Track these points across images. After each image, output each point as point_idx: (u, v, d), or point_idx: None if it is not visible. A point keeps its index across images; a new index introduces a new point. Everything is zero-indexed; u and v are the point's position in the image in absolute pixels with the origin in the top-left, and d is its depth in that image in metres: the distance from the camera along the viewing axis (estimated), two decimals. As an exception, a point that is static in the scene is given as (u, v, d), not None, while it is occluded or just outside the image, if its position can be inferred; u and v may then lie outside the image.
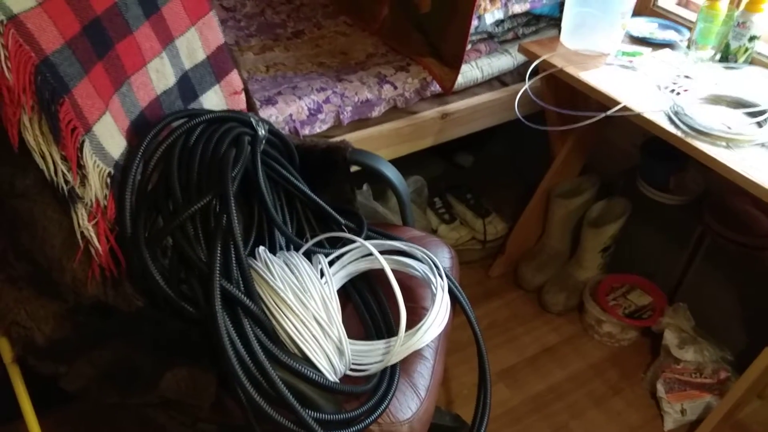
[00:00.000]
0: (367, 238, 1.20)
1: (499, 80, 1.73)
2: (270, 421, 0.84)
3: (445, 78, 1.59)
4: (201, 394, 0.91)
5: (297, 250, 1.09)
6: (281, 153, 1.18)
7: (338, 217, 1.19)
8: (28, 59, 0.76)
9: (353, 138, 1.53)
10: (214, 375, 0.90)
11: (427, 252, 1.14)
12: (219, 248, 0.87)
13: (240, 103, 1.17)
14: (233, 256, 0.88)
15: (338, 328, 0.93)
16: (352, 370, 1.00)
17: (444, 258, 1.27)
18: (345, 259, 1.14)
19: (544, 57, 1.49)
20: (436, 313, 1.04)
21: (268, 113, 1.41)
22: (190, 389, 0.90)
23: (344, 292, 1.15)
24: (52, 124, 0.78)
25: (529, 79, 1.47)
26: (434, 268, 1.11)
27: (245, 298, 0.86)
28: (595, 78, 1.40)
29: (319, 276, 0.99)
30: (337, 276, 1.13)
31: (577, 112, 1.35)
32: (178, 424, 0.98)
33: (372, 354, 1.02)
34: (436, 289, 1.08)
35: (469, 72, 1.64)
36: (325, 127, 1.49)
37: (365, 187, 1.67)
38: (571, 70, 1.45)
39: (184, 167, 0.94)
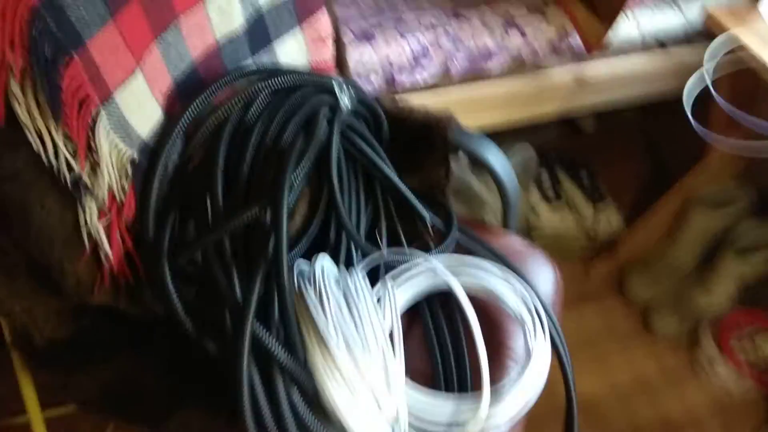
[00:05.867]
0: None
1: (656, 41, 1.36)
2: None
3: (590, 33, 1.24)
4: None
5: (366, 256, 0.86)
6: (367, 124, 0.92)
7: (425, 213, 0.94)
8: (20, 0, 0.52)
9: (460, 94, 1.24)
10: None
11: (529, 287, 0.88)
12: (260, 281, 0.66)
13: (324, 53, 0.90)
14: (276, 293, 0.67)
15: (397, 402, 0.71)
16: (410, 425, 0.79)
17: (545, 281, 1.01)
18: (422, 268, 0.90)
19: (731, 30, 1.11)
20: (527, 380, 0.81)
21: (361, 52, 1.13)
22: (204, 435, 0.73)
23: (415, 309, 0.93)
24: (51, 94, 0.56)
25: (710, 59, 1.10)
26: (534, 310, 0.86)
27: (282, 353, 0.65)
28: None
29: (385, 320, 0.76)
30: (407, 285, 0.90)
31: (750, 118, 1.00)
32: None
33: (434, 412, 0.80)
34: (533, 341, 0.83)
35: (623, 26, 1.27)
36: (427, 76, 1.20)
37: (460, 154, 1.38)
38: (766, 55, 1.07)
39: (235, 154, 0.71)
